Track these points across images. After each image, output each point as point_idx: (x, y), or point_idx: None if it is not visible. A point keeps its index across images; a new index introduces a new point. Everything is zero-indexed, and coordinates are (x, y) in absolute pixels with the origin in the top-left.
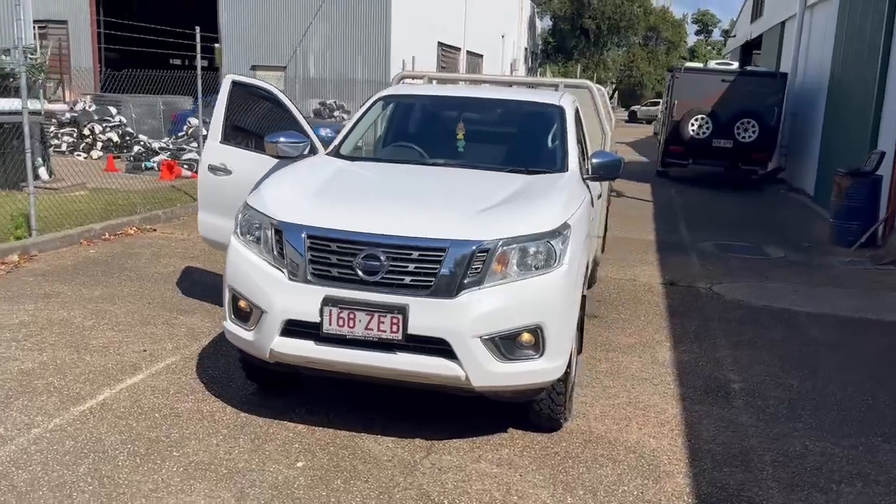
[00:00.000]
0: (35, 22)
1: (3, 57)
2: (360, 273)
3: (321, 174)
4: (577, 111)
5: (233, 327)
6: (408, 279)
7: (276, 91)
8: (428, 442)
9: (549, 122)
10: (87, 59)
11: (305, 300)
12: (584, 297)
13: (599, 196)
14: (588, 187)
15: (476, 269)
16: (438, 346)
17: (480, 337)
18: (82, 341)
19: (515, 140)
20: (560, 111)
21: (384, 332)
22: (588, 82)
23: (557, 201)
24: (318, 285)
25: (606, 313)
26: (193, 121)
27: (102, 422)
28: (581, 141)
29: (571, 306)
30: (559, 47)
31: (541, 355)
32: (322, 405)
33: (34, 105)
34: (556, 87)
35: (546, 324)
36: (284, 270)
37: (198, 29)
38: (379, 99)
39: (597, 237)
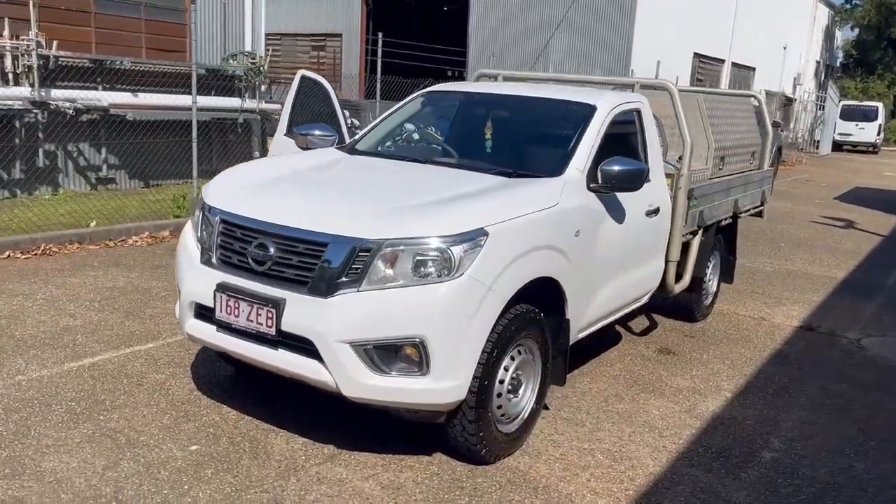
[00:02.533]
0: (314, 36)
1: (231, 61)
2: (250, 261)
3: (290, 165)
4: (625, 112)
5: (176, 307)
6: (290, 273)
7: (326, 85)
8: (338, 450)
9: (571, 123)
10: (355, 68)
11: (207, 284)
12: (566, 321)
13: (657, 210)
14: (587, 198)
15: (356, 269)
16: (310, 348)
17: (351, 343)
18: (140, 308)
19: (525, 140)
20: (588, 111)
21: (261, 325)
22: (667, 83)
23: (480, 205)
24: (220, 270)
25: (688, 351)
26: None
27: (76, 379)
28: (637, 147)
29: (471, 324)
30: (861, 60)
31: (425, 374)
32: (278, 397)
33: (251, 104)
34: (631, 87)
35: (429, 339)
36: (200, 253)
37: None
38: (419, 95)
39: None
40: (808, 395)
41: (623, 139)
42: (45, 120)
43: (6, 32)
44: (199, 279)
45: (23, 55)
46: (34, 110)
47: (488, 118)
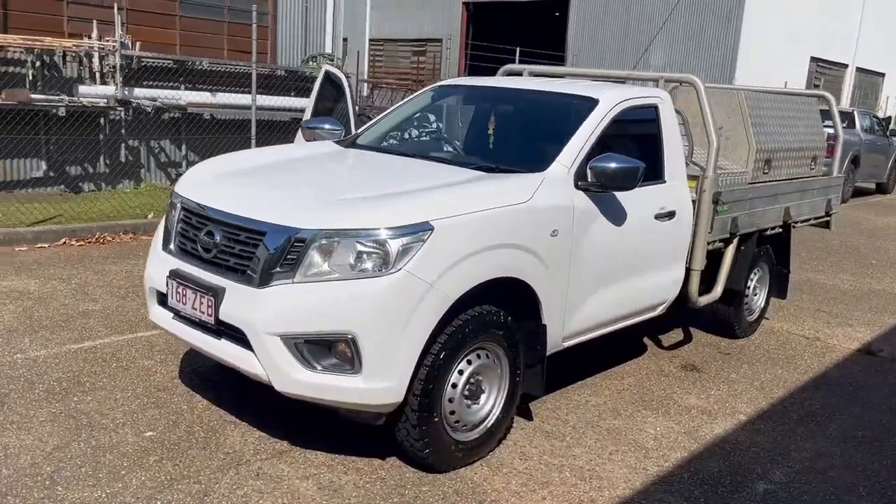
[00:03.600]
0: (416, 41)
1: (311, 63)
2: (199, 249)
3: (271, 157)
4: (636, 108)
5: None
6: (232, 261)
7: (343, 81)
8: (291, 447)
9: (569, 117)
10: (454, 71)
11: (163, 271)
12: (543, 326)
13: (671, 214)
14: (571, 197)
15: (291, 260)
16: (245, 338)
17: (281, 336)
18: None
19: (519, 134)
20: (588, 106)
21: (203, 313)
22: (692, 77)
23: (430, 198)
24: (175, 257)
25: (715, 369)
26: None
27: (69, 360)
28: (653, 145)
29: (408, 323)
30: None
31: (356, 372)
32: (255, 389)
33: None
34: (655, 82)
35: (360, 336)
36: (164, 240)
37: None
38: (429, 89)
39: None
40: (838, 424)
41: (634, 136)
42: (129, 117)
43: (94, 34)
44: (158, 266)
45: (108, 55)
46: (118, 108)
47: (489, 113)
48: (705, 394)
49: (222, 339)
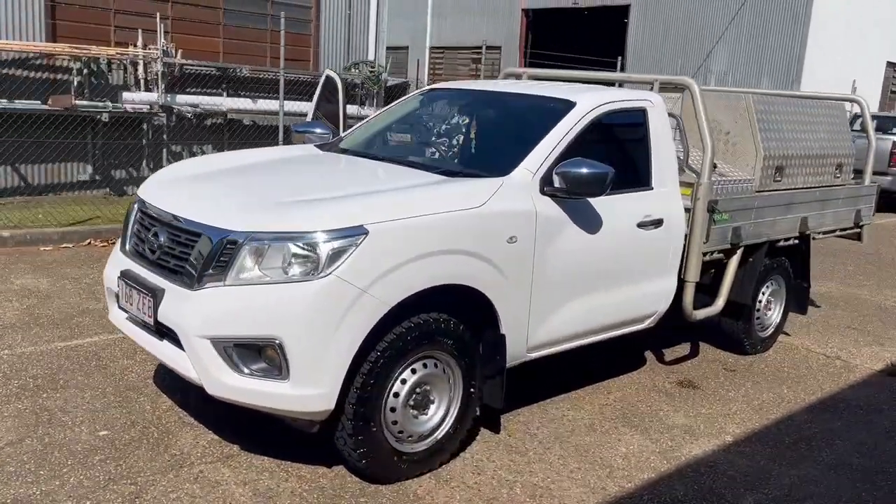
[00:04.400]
0: (474, 48)
1: (353, 70)
2: (146, 250)
3: (238, 160)
4: (619, 112)
5: None
6: (172, 262)
7: (338, 83)
8: (240, 451)
9: (543, 120)
10: None
11: (117, 271)
12: (501, 336)
13: (658, 222)
14: (535, 202)
15: (223, 261)
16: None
17: (211, 339)
18: None
19: (493, 138)
20: (563, 109)
21: (145, 314)
22: (687, 80)
23: (368, 201)
24: (128, 257)
25: (715, 386)
26: None
27: (51, 358)
28: (640, 151)
29: (338, 330)
30: None
31: (284, 378)
32: None
33: (368, 111)
34: (650, 85)
35: (287, 341)
36: (122, 241)
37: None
38: (419, 93)
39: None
40: (835, 449)
41: (618, 141)
42: (172, 123)
43: (139, 42)
44: (114, 266)
45: (151, 63)
46: (161, 113)
47: (471, 116)
48: (694, 412)
49: (164, 341)
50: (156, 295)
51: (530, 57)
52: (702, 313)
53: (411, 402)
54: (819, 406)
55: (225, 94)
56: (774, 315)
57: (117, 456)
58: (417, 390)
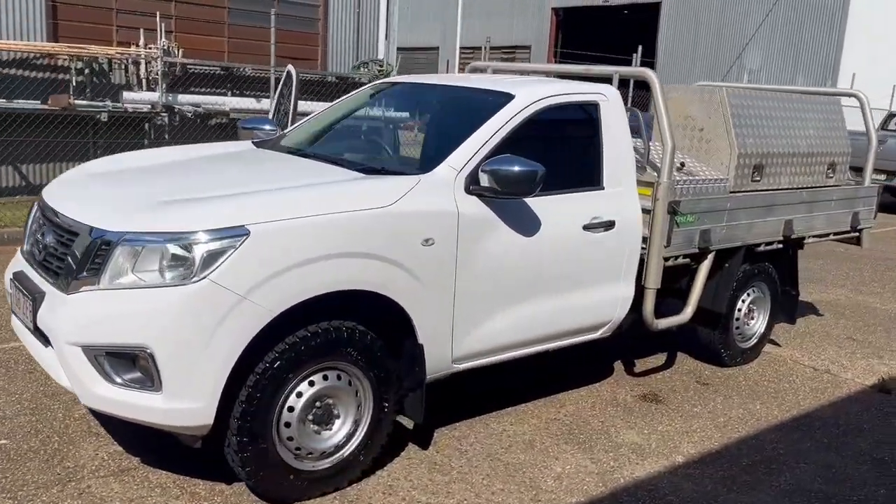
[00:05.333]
0: (504, 48)
1: (362, 69)
2: (35, 251)
3: (155, 158)
4: (564, 107)
5: None
6: (54, 264)
7: (293, 79)
8: (139, 465)
9: (477, 114)
10: None
11: (10, 274)
12: (420, 347)
13: (610, 224)
14: (457, 202)
15: (97, 264)
16: None
17: (82, 347)
18: None
19: (426, 133)
20: (501, 102)
21: (27, 318)
22: (645, 71)
23: (252, 200)
24: (23, 258)
25: (681, 400)
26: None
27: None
28: (590, 147)
29: (214, 338)
30: None
31: (157, 390)
32: None
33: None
34: (609, 79)
35: (157, 350)
36: (24, 242)
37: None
38: (370, 87)
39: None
40: (797, 473)
41: (563, 138)
42: (176, 123)
43: (141, 42)
44: (11, 268)
45: (151, 62)
46: (162, 113)
47: (410, 111)
48: (650, 429)
49: (48, 348)
50: (35, 299)
51: (560, 57)
52: (665, 322)
53: (310, 417)
54: (791, 424)
55: (229, 93)
56: (757, 324)
57: (7, 467)
58: (318, 404)
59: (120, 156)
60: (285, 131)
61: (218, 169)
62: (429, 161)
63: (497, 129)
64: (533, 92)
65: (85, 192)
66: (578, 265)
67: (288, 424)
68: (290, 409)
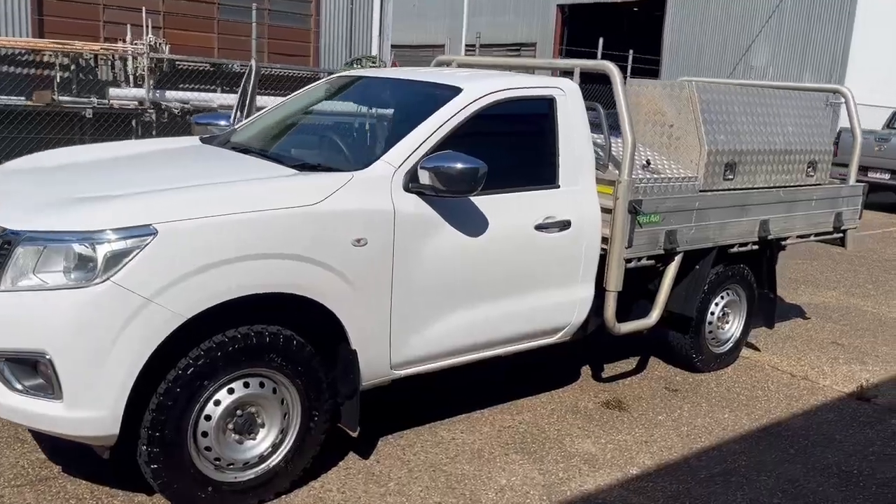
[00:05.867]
0: (509, 46)
1: (355, 66)
2: None
3: (104, 153)
4: (518, 101)
5: None
6: None
7: (252, 73)
8: (59, 474)
9: (423, 109)
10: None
11: None
12: (353, 352)
13: (565, 224)
14: (394, 200)
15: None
16: None
17: None
18: None
19: (371, 128)
20: (448, 96)
21: None
22: (606, 64)
23: (164, 197)
24: None
25: (646, 408)
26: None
27: None
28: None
29: (117, 344)
30: None
31: (57, 398)
32: None
33: None
34: (571, 73)
35: (56, 356)
36: None
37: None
38: (325, 81)
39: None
40: (755, 487)
41: (515, 133)
42: (164, 119)
43: (128, 37)
44: None
45: (137, 58)
46: (149, 109)
47: (361, 105)
48: (608, 438)
49: None
50: None
51: (566, 54)
52: (629, 326)
53: (231, 426)
54: (759, 434)
55: (219, 90)
56: (732, 329)
57: None
58: (239, 412)
59: (44, 153)
60: (237, 126)
61: (144, 166)
62: (366, 157)
63: (441, 125)
64: (482, 86)
65: (5, 189)
66: (530, 266)
67: (205, 434)
68: (208, 417)
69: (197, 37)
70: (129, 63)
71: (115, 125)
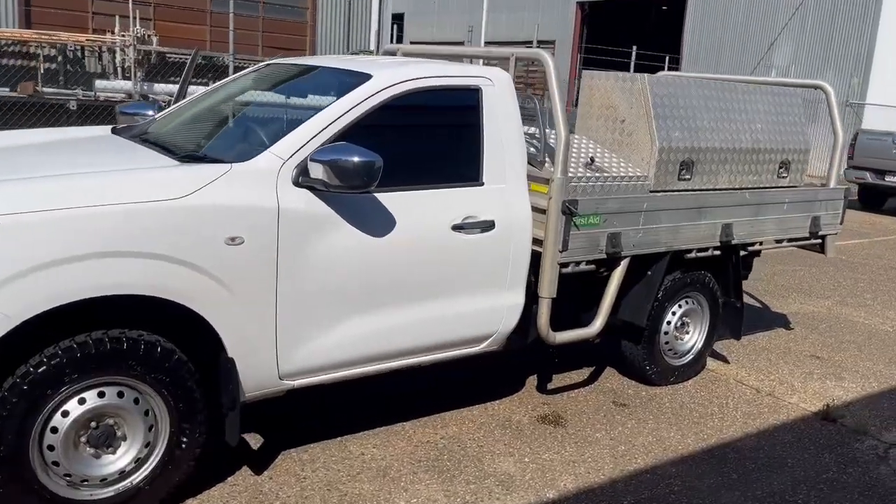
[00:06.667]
0: (528, 44)
1: None
2: None
3: (11, 140)
4: (437, 91)
5: None
6: None
7: (190, 62)
8: None
9: (324, 98)
10: (565, 73)
11: None
12: (230, 361)
13: (488, 225)
14: (278, 195)
15: None
16: None
17: None
18: None
19: (266, 117)
20: (355, 84)
21: None
22: (539, 52)
23: (6, 186)
24: None
25: (585, 424)
26: None
27: None
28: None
29: None
30: None
31: None
32: None
33: None
34: (507, 60)
35: None
36: None
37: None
38: (253, 70)
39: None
40: None
41: (431, 125)
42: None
43: (116, 29)
44: None
45: (124, 50)
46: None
47: (273, 94)
48: (533, 457)
49: None
50: None
51: (585, 52)
52: (567, 336)
53: (84, 439)
54: (702, 455)
55: (211, 82)
56: (693, 340)
57: None
58: (94, 424)
59: None
60: (156, 116)
61: (26, 156)
62: (254, 148)
63: (341, 114)
64: (394, 74)
65: None
66: (447, 270)
67: (52, 447)
68: (54, 430)
69: (188, 29)
70: (118, 55)
71: (101, 117)
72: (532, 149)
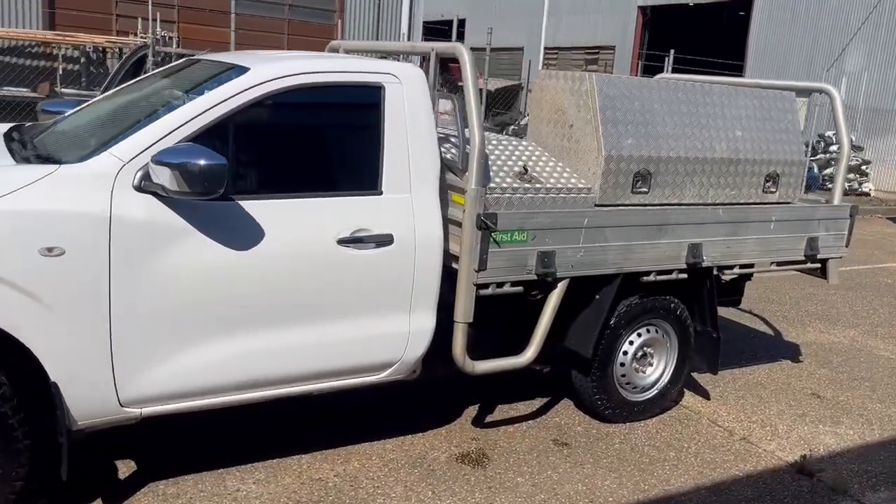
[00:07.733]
0: (588, 49)
1: None
2: None
3: None
4: (329, 88)
5: None
6: None
7: (128, 55)
8: None
9: (190, 93)
10: None
11: None
12: (54, 385)
13: (384, 240)
14: (114, 202)
15: None
16: None
17: None
18: None
19: (127, 116)
20: (225, 79)
21: None
22: (457, 46)
23: None
24: None
25: (512, 466)
26: None
27: None
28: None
29: None
30: None
31: None
32: None
33: None
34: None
35: None
36: None
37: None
38: (186, 61)
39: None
40: None
41: (319, 126)
42: None
43: (139, 31)
44: None
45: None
46: None
47: (169, 89)
48: (436, 503)
49: None
50: None
51: (646, 59)
52: (489, 365)
53: None
54: None
55: None
56: (657, 373)
57: None
58: None
59: None
60: (67, 114)
61: None
62: (92, 149)
63: (201, 112)
64: (276, 68)
65: None
66: (332, 289)
67: None
68: None
69: (211, 31)
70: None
71: None
72: (449, 155)
